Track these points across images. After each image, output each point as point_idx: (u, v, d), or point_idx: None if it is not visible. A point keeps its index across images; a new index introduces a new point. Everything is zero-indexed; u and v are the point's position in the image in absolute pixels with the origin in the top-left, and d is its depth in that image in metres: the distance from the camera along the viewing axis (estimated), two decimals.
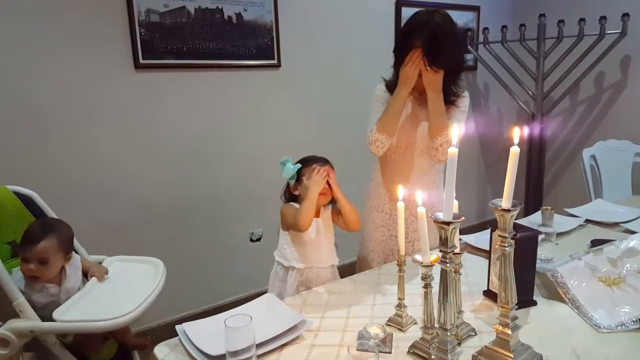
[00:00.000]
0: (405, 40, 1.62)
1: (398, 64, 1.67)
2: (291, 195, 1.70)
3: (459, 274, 1.22)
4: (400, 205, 1.23)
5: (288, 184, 1.70)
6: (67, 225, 1.64)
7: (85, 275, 1.71)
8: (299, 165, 1.65)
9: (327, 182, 1.62)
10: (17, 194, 1.75)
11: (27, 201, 1.77)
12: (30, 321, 1.45)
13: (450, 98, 1.71)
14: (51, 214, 1.79)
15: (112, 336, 1.76)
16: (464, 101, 1.74)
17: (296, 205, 1.64)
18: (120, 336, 1.79)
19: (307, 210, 1.55)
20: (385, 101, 1.73)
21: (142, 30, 2.39)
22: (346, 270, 1.77)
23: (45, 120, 2.24)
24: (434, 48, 1.56)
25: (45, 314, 1.50)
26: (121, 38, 2.37)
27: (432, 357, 1.06)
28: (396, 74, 1.70)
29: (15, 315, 1.46)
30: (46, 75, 2.21)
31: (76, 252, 1.71)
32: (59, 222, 1.64)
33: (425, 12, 1.64)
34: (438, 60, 1.58)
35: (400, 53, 1.64)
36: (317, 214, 1.65)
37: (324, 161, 1.68)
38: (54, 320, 1.43)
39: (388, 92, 1.75)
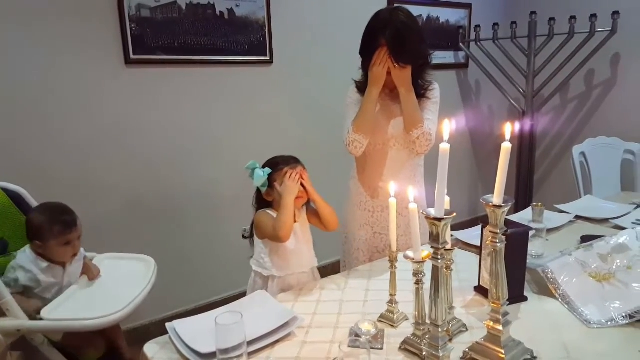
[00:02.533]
0: (370, 40, 1.65)
1: (366, 65, 1.69)
2: (264, 202, 1.62)
3: (450, 270, 1.22)
4: (392, 201, 1.22)
5: (259, 190, 1.61)
6: None
7: None
8: (268, 170, 1.56)
9: (302, 185, 1.55)
10: (5, 190, 1.73)
11: (15, 198, 1.75)
12: (17, 320, 1.44)
13: (420, 91, 1.73)
14: None
15: (103, 337, 1.75)
16: (435, 92, 1.77)
17: (271, 212, 1.56)
18: (110, 337, 1.78)
19: (286, 220, 1.47)
20: (358, 102, 1.75)
21: (132, 26, 2.37)
22: (328, 271, 1.74)
23: (35, 116, 2.21)
24: (399, 45, 1.59)
25: (46, 296, 1.54)
26: (112, 33, 2.34)
27: (424, 353, 1.06)
28: (365, 75, 1.72)
29: (1, 314, 1.44)
30: (35, 70, 2.18)
31: None
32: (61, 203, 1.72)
33: (387, 11, 1.67)
34: (404, 56, 1.61)
35: (367, 53, 1.67)
36: (294, 218, 1.57)
37: (294, 161, 1.60)
38: (41, 318, 1.41)
39: (359, 94, 1.77)
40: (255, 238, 1.62)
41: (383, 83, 1.66)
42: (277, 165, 1.58)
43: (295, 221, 1.57)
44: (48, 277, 1.58)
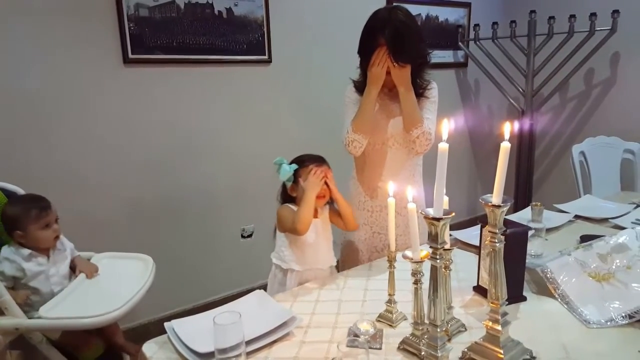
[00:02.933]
0: (369, 39, 1.64)
1: (364, 64, 1.69)
2: (288, 197, 1.66)
3: (449, 270, 1.22)
4: (391, 201, 1.22)
5: (284, 185, 1.65)
6: None
7: (74, 271, 1.70)
8: (295, 166, 1.60)
9: (325, 183, 1.58)
10: (2, 189, 1.73)
11: (12, 197, 1.74)
12: (15, 318, 1.44)
13: (418, 90, 1.73)
14: None
15: (100, 335, 1.75)
16: (433, 92, 1.77)
17: (293, 207, 1.60)
18: (108, 336, 1.78)
19: (305, 214, 1.51)
20: (357, 102, 1.74)
21: (131, 25, 2.36)
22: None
23: (33, 115, 2.21)
24: (398, 44, 1.58)
25: (33, 285, 1.57)
26: (110, 33, 2.33)
27: (422, 353, 1.06)
28: (363, 74, 1.72)
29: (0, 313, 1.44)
30: (33, 70, 2.18)
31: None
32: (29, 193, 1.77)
33: (386, 10, 1.66)
34: (403, 55, 1.60)
35: (365, 53, 1.66)
36: (316, 215, 1.62)
37: (320, 160, 1.64)
38: (40, 316, 1.41)
39: (357, 93, 1.76)
40: (277, 232, 1.66)
41: (382, 82, 1.65)
42: (304, 162, 1.62)
43: (316, 217, 1.62)
44: (32, 265, 1.60)
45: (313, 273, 1.63)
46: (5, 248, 1.63)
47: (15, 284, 1.59)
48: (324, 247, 1.66)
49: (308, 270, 1.63)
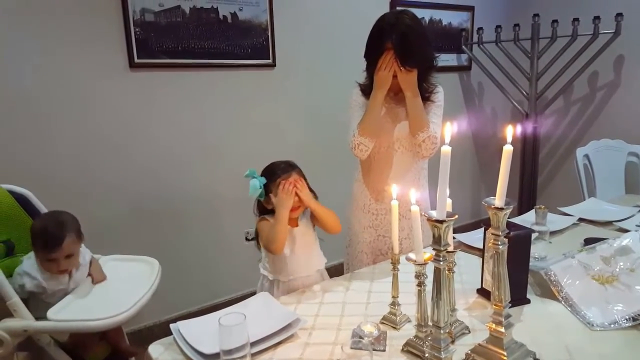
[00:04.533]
0: (376, 43, 1.65)
1: (370, 67, 1.70)
2: (264, 208, 1.62)
3: (453, 272, 1.22)
4: (394, 204, 1.23)
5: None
6: (71, 214, 1.67)
7: None
8: (264, 180, 1.55)
9: (296, 194, 1.52)
10: (11, 192, 1.75)
11: (21, 200, 1.77)
12: (24, 320, 1.45)
13: (424, 94, 1.74)
14: None
15: (105, 339, 1.76)
16: (439, 96, 1.78)
17: (271, 219, 1.56)
18: (113, 339, 1.79)
19: (279, 236, 1.48)
20: (363, 105, 1.75)
21: (137, 30, 2.39)
22: (332, 273, 1.74)
23: (40, 119, 2.23)
24: (405, 49, 1.59)
25: (53, 301, 1.52)
26: (116, 37, 2.36)
27: (426, 355, 1.07)
28: (369, 78, 1.73)
29: (9, 314, 1.45)
30: (41, 74, 2.20)
31: None
32: (66, 214, 1.66)
33: (393, 14, 1.68)
34: (410, 59, 1.61)
35: (372, 57, 1.67)
36: (295, 223, 1.60)
37: (289, 169, 1.58)
38: (48, 320, 1.42)
39: (363, 97, 1.77)
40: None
41: (388, 87, 1.66)
42: (274, 174, 1.57)
43: (296, 225, 1.59)
44: (53, 284, 1.58)
45: (300, 281, 1.61)
46: (27, 261, 1.60)
47: (32, 296, 1.58)
48: (302, 256, 1.61)
49: (293, 280, 1.60)
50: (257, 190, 1.53)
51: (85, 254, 1.70)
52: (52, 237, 1.55)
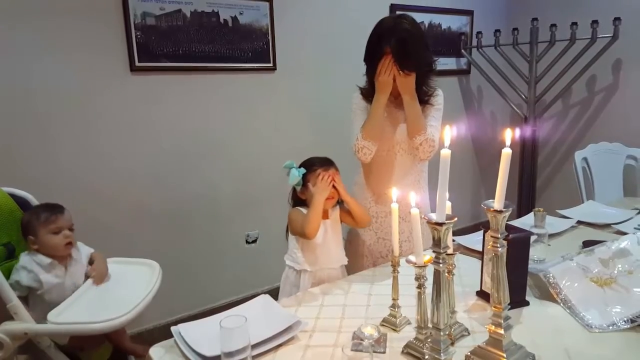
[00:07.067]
0: (375, 48, 1.67)
1: (370, 72, 1.72)
2: (298, 199, 1.69)
3: (452, 275, 1.23)
4: (394, 206, 1.24)
5: (294, 188, 1.69)
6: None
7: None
8: (303, 171, 1.63)
9: (333, 186, 1.61)
10: (12, 195, 1.75)
11: (22, 203, 1.77)
12: (24, 323, 1.45)
13: (423, 98, 1.76)
14: None
15: (108, 339, 1.76)
16: (438, 99, 1.79)
17: (303, 210, 1.64)
18: (116, 339, 1.79)
19: (314, 219, 1.55)
20: (364, 109, 1.78)
21: (138, 33, 2.40)
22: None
23: (42, 123, 2.24)
24: (403, 53, 1.61)
25: (50, 298, 1.54)
26: (117, 41, 2.37)
27: (426, 356, 1.07)
28: (370, 81, 1.75)
29: (9, 317, 1.46)
30: (43, 78, 2.21)
31: None
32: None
33: (391, 19, 1.70)
34: (409, 64, 1.63)
35: (371, 61, 1.69)
36: (326, 216, 1.66)
37: (328, 163, 1.66)
38: (48, 322, 1.42)
39: (364, 100, 1.79)
40: (289, 234, 1.69)
41: (390, 91, 1.68)
42: (312, 166, 1.64)
43: (327, 217, 1.66)
44: (50, 276, 1.59)
45: (326, 273, 1.67)
46: (24, 256, 1.62)
47: (29, 294, 1.59)
48: (334, 247, 1.69)
49: (320, 270, 1.66)
50: (297, 178, 1.61)
51: (82, 249, 1.73)
52: (53, 205, 1.65)
